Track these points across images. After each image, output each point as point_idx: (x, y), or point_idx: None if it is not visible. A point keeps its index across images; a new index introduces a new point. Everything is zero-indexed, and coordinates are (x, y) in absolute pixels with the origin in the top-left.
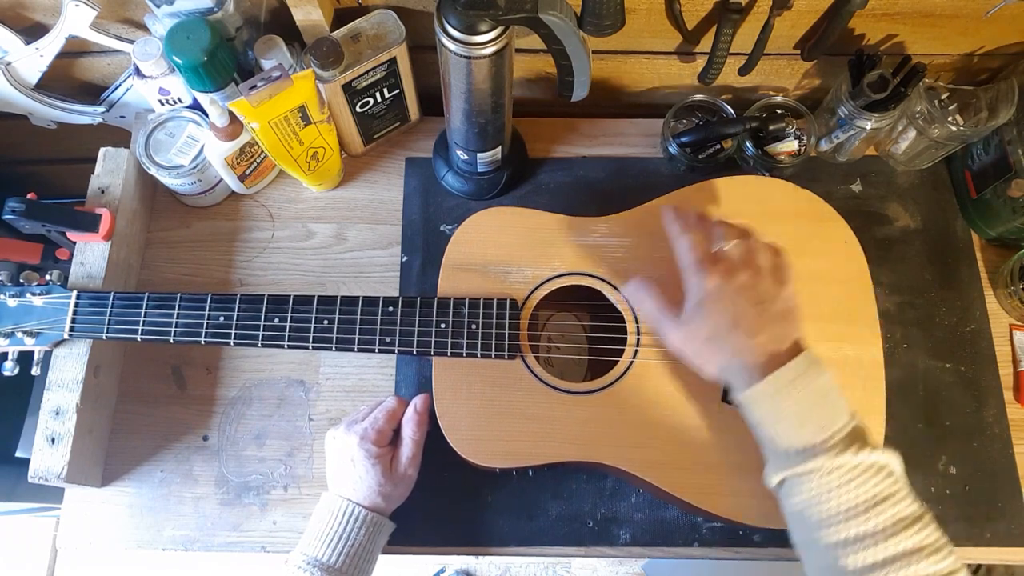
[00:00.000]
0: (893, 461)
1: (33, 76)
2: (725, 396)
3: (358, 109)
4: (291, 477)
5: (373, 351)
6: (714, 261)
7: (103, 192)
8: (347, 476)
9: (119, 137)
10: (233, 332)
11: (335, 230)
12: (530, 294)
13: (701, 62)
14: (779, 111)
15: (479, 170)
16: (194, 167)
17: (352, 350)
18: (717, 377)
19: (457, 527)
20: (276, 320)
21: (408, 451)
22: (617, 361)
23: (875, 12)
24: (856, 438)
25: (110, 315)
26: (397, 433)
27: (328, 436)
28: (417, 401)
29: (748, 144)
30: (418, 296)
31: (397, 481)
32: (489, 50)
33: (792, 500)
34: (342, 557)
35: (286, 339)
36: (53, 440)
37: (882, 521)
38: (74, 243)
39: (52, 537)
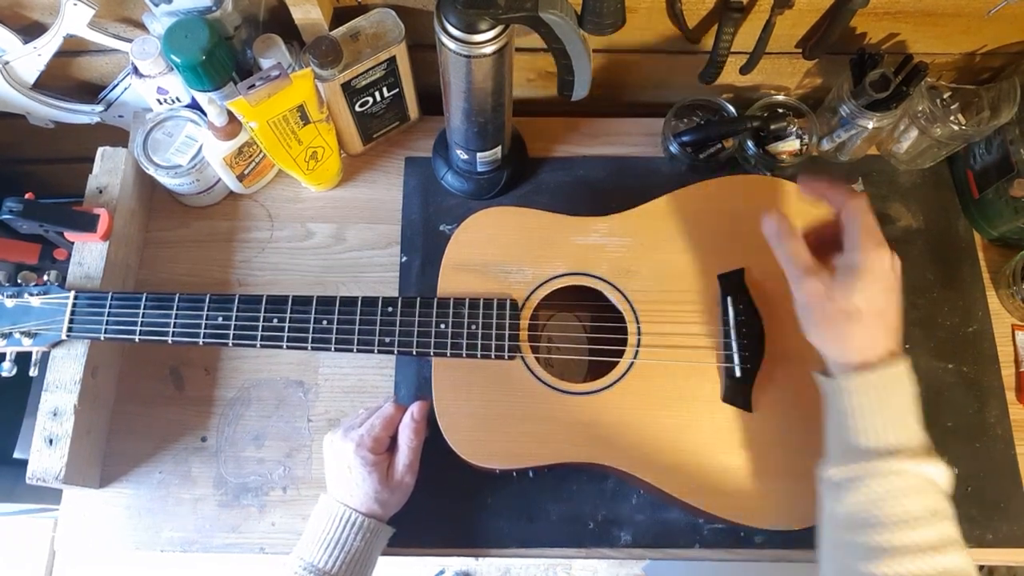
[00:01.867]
0: (950, 480)
1: (31, 75)
2: (725, 396)
3: (357, 108)
4: (290, 478)
5: (372, 352)
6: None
7: (101, 192)
8: (344, 481)
9: (117, 136)
10: (232, 332)
11: (334, 230)
12: (530, 294)
13: (702, 61)
14: (780, 110)
15: (479, 170)
16: (192, 166)
17: (351, 351)
18: (820, 346)
19: (457, 528)
20: (275, 320)
21: (405, 458)
22: (617, 362)
23: (877, 11)
24: (928, 450)
25: (108, 315)
26: (395, 439)
27: (326, 440)
28: (414, 408)
29: (749, 143)
30: (417, 296)
31: (394, 488)
32: (489, 49)
33: (845, 498)
34: (339, 563)
35: (285, 340)
36: (51, 441)
37: (934, 535)
38: (72, 243)
39: (50, 538)
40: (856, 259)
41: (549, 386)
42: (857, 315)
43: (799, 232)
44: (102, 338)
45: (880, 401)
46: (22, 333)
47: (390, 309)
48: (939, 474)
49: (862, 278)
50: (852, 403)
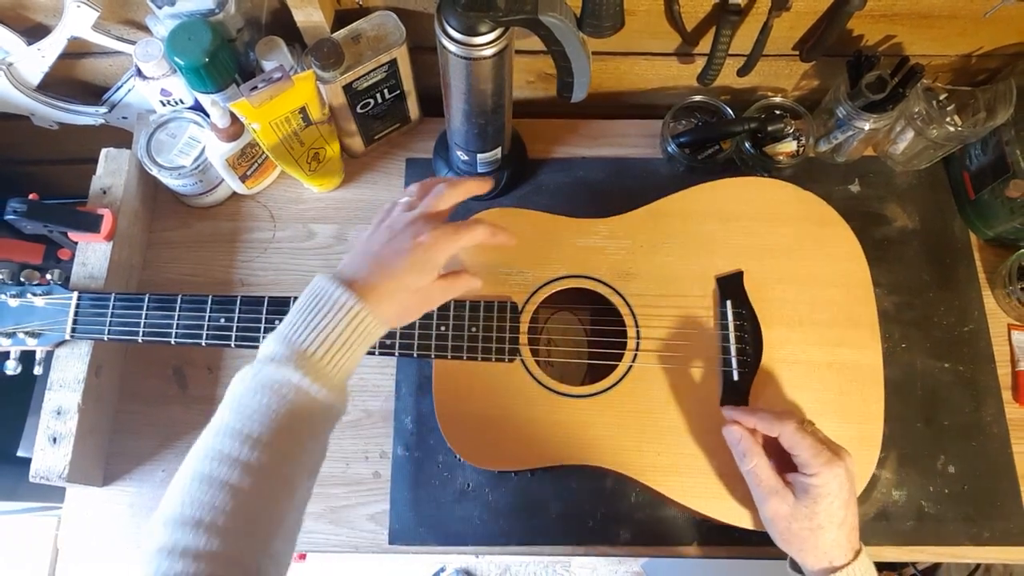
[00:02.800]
0: None
1: (35, 77)
2: (723, 399)
3: (359, 110)
4: None
5: (373, 353)
6: (835, 453)
7: (105, 192)
8: (374, 255)
9: (121, 138)
10: (234, 335)
11: (336, 231)
12: (530, 296)
13: (700, 63)
14: (778, 112)
15: (479, 171)
16: (195, 168)
17: None
18: (787, 552)
19: (457, 526)
20: (277, 322)
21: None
22: (617, 364)
23: (873, 13)
24: None
25: (111, 316)
26: None
27: (385, 223)
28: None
29: (747, 145)
30: None
31: (420, 292)
32: (489, 51)
33: None
34: (315, 342)
35: None
36: (54, 440)
37: None
38: (76, 243)
39: (53, 537)
40: (812, 483)
41: (548, 388)
42: (820, 530)
43: (760, 448)
44: (105, 338)
45: None
46: (26, 333)
47: None
48: None
49: (821, 501)
50: None
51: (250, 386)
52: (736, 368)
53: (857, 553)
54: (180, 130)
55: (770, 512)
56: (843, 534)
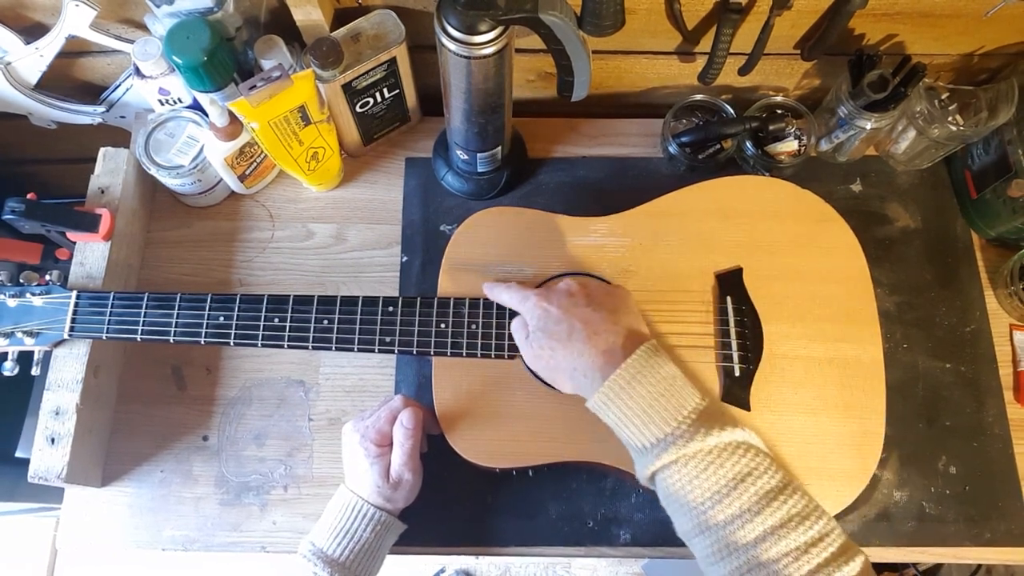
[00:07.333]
0: (750, 437)
1: (33, 76)
2: (724, 395)
3: (358, 109)
4: (291, 477)
5: (373, 351)
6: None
7: (103, 192)
8: (353, 471)
9: (119, 137)
10: (233, 332)
11: (335, 230)
12: None
13: (701, 62)
14: (779, 111)
15: (479, 170)
16: (194, 167)
17: (352, 350)
18: (573, 391)
19: (457, 527)
20: (276, 320)
21: (398, 457)
22: None
23: (875, 12)
24: (707, 420)
25: (110, 315)
26: None
27: (343, 429)
28: (404, 416)
29: (748, 144)
30: (418, 296)
31: (394, 484)
32: (489, 50)
33: (664, 494)
34: (347, 552)
35: (286, 339)
36: (53, 440)
37: (746, 500)
38: (74, 243)
39: (52, 537)
40: (528, 323)
41: (549, 385)
42: (554, 355)
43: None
44: (104, 337)
45: (623, 408)
46: (24, 332)
47: (391, 309)
48: (724, 439)
49: (538, 330)
50: (608, 420)
51: None
52: (737, 363)
53: (611, 360)
54: (178, 129)
55: (527, 365)
56: (577, 344)
